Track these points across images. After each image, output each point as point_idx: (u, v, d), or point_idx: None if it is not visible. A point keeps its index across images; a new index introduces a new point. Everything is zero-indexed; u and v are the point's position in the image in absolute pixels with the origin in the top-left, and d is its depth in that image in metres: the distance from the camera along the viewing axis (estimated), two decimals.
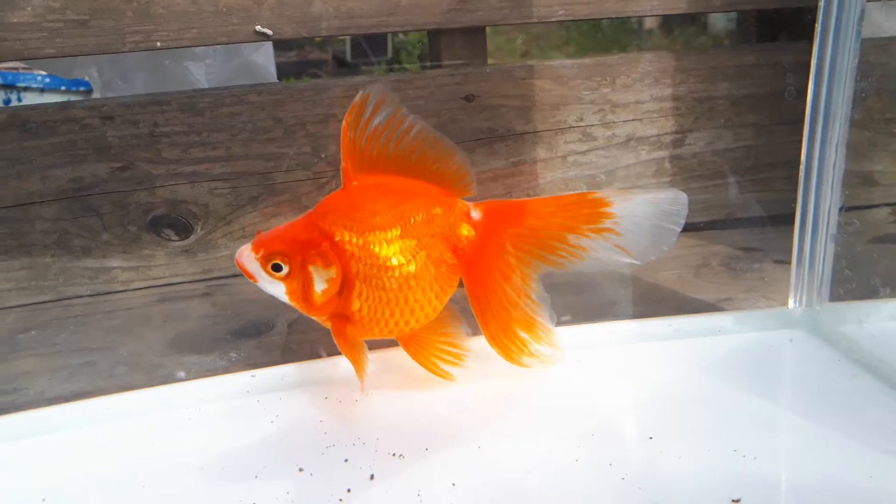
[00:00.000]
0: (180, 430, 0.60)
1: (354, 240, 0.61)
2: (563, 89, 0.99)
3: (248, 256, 0.60)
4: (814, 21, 0.67)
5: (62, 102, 0.92)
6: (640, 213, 0.62)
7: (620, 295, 0.87)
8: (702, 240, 1.02)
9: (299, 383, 0.66)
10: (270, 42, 1.16)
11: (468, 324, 0.66)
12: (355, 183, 0.61)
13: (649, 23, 1.79)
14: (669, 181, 1.03)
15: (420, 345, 0.65)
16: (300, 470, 0.54)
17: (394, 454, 0.55)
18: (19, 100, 1.85)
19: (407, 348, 0.65)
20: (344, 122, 0.60)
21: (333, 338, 0.62)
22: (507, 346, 0.64)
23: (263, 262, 0.60)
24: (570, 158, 1.01)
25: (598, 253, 0.63)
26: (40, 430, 0.60)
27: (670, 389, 0.63)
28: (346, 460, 0.55)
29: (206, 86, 1.10)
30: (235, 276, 0.96)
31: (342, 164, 0.61)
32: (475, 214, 0.65)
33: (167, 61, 1.08)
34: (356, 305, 0.62)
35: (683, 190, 0.62)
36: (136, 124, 0.91)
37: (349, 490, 0.51)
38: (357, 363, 0.61)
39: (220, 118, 0.93)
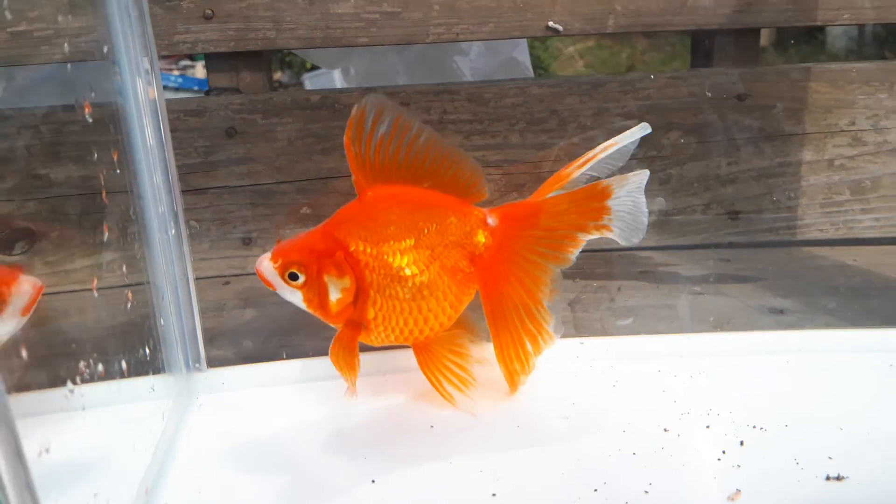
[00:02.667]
0: None
1: (368, 250, 0.61)
2: (839, 93, 0.99)
3: (266, 266, 0.62)
4: None
5: (367, 88, 1.00)
6: (625, 206, 0.61)
7: None
8: None
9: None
10: (525, 40, 1.21)
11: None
12: (370, 193, 0.62)
13: None
14: None
15: (431, 356, 0.64)
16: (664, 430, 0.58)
17: (754, 426, 0.58)
18: None
19: (418, 357, 0.65)
20: (345, 138, 0.60)
21: (333, 342, 0.62)
22: (514, 361, 0.63)
23: (281, 270, 0.61)
24: (837, 162, 1.01)
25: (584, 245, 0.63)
26: None
27: None
28: (707, 427, 0.58)
29: (471, 79, 1.16)
30: None
31: (353, 177, 0.62)
32: (491, 220, 0.64)
33: (435, 55, 1.16)
34: (371, 314, 0.62)
35: None
36: (428, 111, 0.98)
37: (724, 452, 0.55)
38: (351, 370, 0.61)
39: (503, 108, 0.99)
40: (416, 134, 0.61)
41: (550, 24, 0.95)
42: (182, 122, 0.96)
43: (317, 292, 0.62)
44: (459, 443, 0.61)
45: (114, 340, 0.64)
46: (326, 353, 0.62)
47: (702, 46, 1.03)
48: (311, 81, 1.85)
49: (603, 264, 1.00)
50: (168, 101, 0.96)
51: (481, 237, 0.64)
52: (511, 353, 0.63)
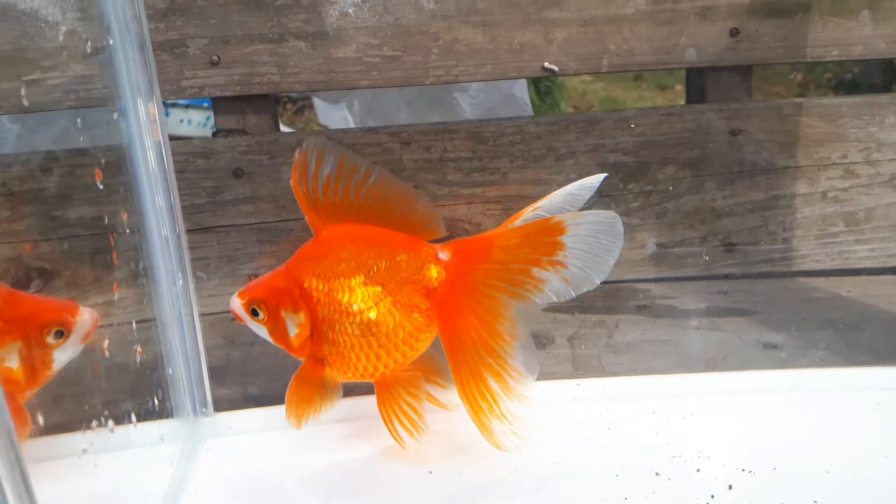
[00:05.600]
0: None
1: (321, 286, 0.64)
2: (830, 126, 1.01)
3: (236, 302, 0.67)
4: None
5: (370, 128, 1.03)
6: (585, 245, 0.61)
7: None
8: None
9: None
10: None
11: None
12: (325, 232, 0.65)
13: None
14: None
15: (388, 395, 0.65)
16: (656, 474, 0.60)
17: (743, 469, 0.60)
18: (166, 115, 2.06)
19: (377, 395, 0.66)
20: (292, 180, 0.64)
21: (294, 375, 0.66)
22: (477, 399, 0.61)
23: (246, 307, 0.66)
24: (831, 194, 1.03)
25: (551, 285, 0.62)
26: None
27: None
28: (697, 470, 0.60)
29: (472, 116, 1.19)
30: None
31: (307, 218, 0.65)
32: (443, 255, 0.65)
33: (436, 91, 1.19)
34: (325, 349, 0.65)
35: None
36: (428, 149, 1.01)
37: (712, 496, 0.57)
38: (307, 403, 0.65)
39: (501, 146, 1.01)
40: (365, 174, 0.64)
41: (546, 64, 0.98)
42: (190, 164, 0.99)
43: (278, 327, 0.66)
44: (455, 488, 0.63)
45: (124, 384, 0.67)
46: None
47: (695, 83, 1.05)
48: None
49: (602, 297, 1.02)
50: (176, 144, 1.00)
51: (433, 272, 0.65)
52: (473, 389, 0.62)
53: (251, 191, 1.01)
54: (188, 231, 1.00)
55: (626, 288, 1.05)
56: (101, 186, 0.65)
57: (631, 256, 1.05)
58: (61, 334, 0.62)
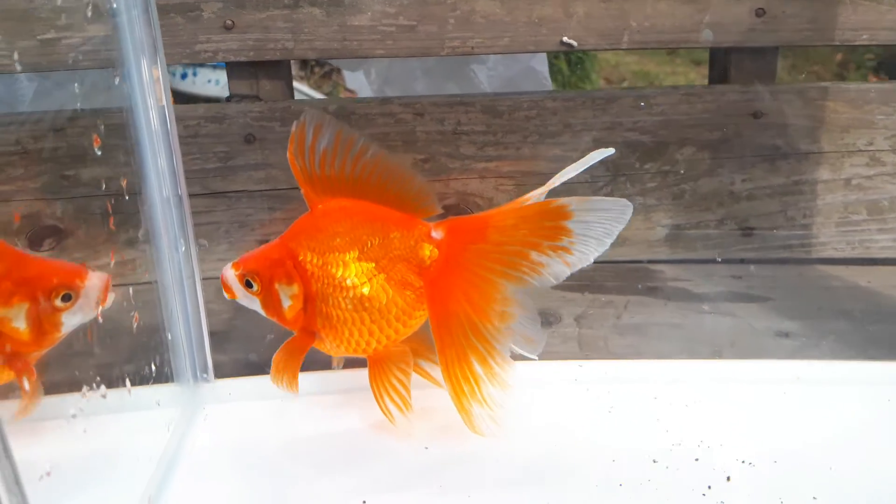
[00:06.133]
0: None
1: (315, 260, 0.64)
2: (857, 112, 0.97)
3: (229, 273, 0.66)
4: None
5: (383, 98, 1.02)
6: (593, 232, 0.59)
7: None
8: None
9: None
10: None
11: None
12: (320, 206, 0.65)
13: None
14: None
15: (379, 370, 0.65)
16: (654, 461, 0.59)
17: (743, 461, 0.59)
18: (195, 74, 2.04)
19: (369, 370, 0.66)
20: (288, 153, 0.63)
21: (283, 345, 0.65)
22: (460, 381, 0.61)
23: (240, 279, 0.66)
24: (854, 182, 1.00)
25: (550, 269, 0.61)
26: None
27: None
28: (696, 460, 0.59)
29: (489, 88, 1.17)
30: None
31: (302, 191, 0.65)
32: (437, 234, 0.64)
33: (454, 61, 1.17)
34: (318, 322, 0.65)
35: None
36: (441, 122, 0.99)
37: (709, 487, 0.56)
38: (291, 374, 0.64)
39: (517, 120, 0.99)
40: (362, 149, 0.64)
41: (565, 39, 0.95)
42: (202, 128, 0.99)
43: (271, 299, 0.66)
44: (450, 465, 0.62)
45: (124, 346, 0.67)
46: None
47: (719, 63, 1.02)
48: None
49: (613, 277, 1.00)
50: (189, 107, 0.99)
51: (426, 250, 0.64)
52: (457, 371, 0.61)
53: (262, 157, 1.00)
54: (199, 195, 1.00)
55: (639, 269, 1.03)
56: (99, 153, 0.65)
57: (646, 237, 1.03)
58: (69, 297, 0.62)
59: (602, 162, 1.01)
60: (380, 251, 0.64)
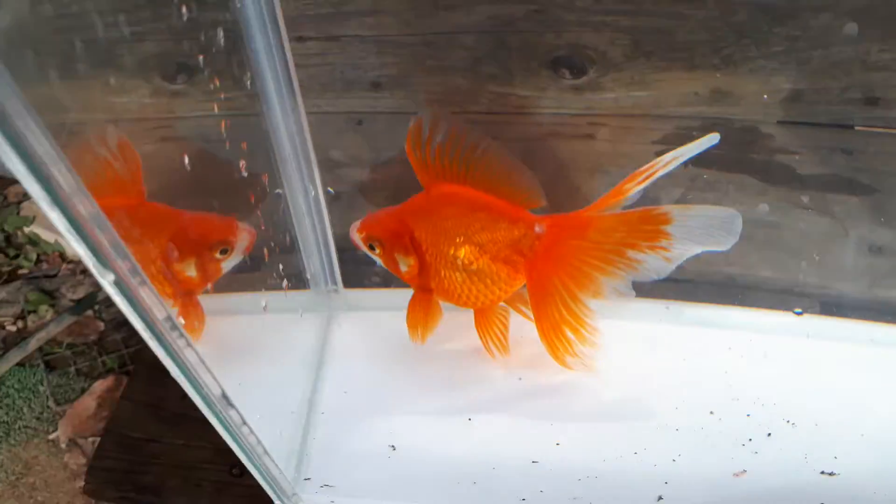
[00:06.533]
0: None
1: (428, 238, 0.73)
2: None
3: (355, 235, 0.77)
4: None
5: None
6: (694, 237, 0.63)
7: None
8: None
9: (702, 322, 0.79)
10: None
11: None
12: (434, 190, 0.73)
13: None
14: None
15: (484, 319, 0.75)
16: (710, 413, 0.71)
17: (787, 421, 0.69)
18: None
19: (475, 318, 0.76)
20: (406, 145, 0.70)
21: (409, 303, 0.75)
22: (556, 344, 0.72)
23: (365, 241, 0.76)
24: None
25: (647, 265, 0.66)
26: None
27: None
28: (748, 415, 0.70)
29: None
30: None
31: (418, 176, 0.72)
32: (539, 228, 0.70)
33: None
34: (433, 284, 0.75)
35: None
36: None
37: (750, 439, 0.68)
38: (424, 326, 0.75)
39: None
40: (473, 144, 0.70)
41: None
42: None
43: (390, 263, 0.78)
44: (534, 394, 0.77)
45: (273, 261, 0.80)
46: None
47: None
48: None
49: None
50: None
51: (528, 242, 0.71)
52: (553, 338, 0.73)
53: (373, 4, 0.99)
54: (312, 39, 1.02)
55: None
56: None
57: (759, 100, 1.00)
58: (226, 251, 0.80)
59: (731, 23, 0.95)
60: (485, 236, 0.72)
